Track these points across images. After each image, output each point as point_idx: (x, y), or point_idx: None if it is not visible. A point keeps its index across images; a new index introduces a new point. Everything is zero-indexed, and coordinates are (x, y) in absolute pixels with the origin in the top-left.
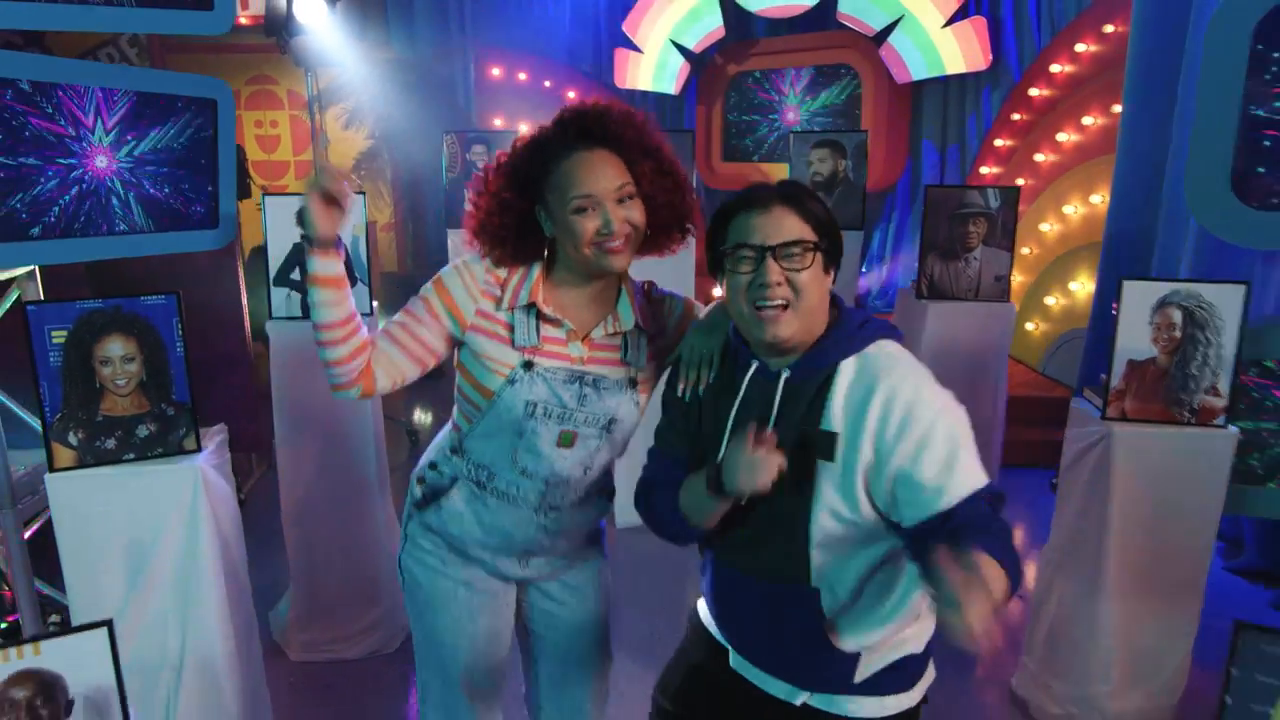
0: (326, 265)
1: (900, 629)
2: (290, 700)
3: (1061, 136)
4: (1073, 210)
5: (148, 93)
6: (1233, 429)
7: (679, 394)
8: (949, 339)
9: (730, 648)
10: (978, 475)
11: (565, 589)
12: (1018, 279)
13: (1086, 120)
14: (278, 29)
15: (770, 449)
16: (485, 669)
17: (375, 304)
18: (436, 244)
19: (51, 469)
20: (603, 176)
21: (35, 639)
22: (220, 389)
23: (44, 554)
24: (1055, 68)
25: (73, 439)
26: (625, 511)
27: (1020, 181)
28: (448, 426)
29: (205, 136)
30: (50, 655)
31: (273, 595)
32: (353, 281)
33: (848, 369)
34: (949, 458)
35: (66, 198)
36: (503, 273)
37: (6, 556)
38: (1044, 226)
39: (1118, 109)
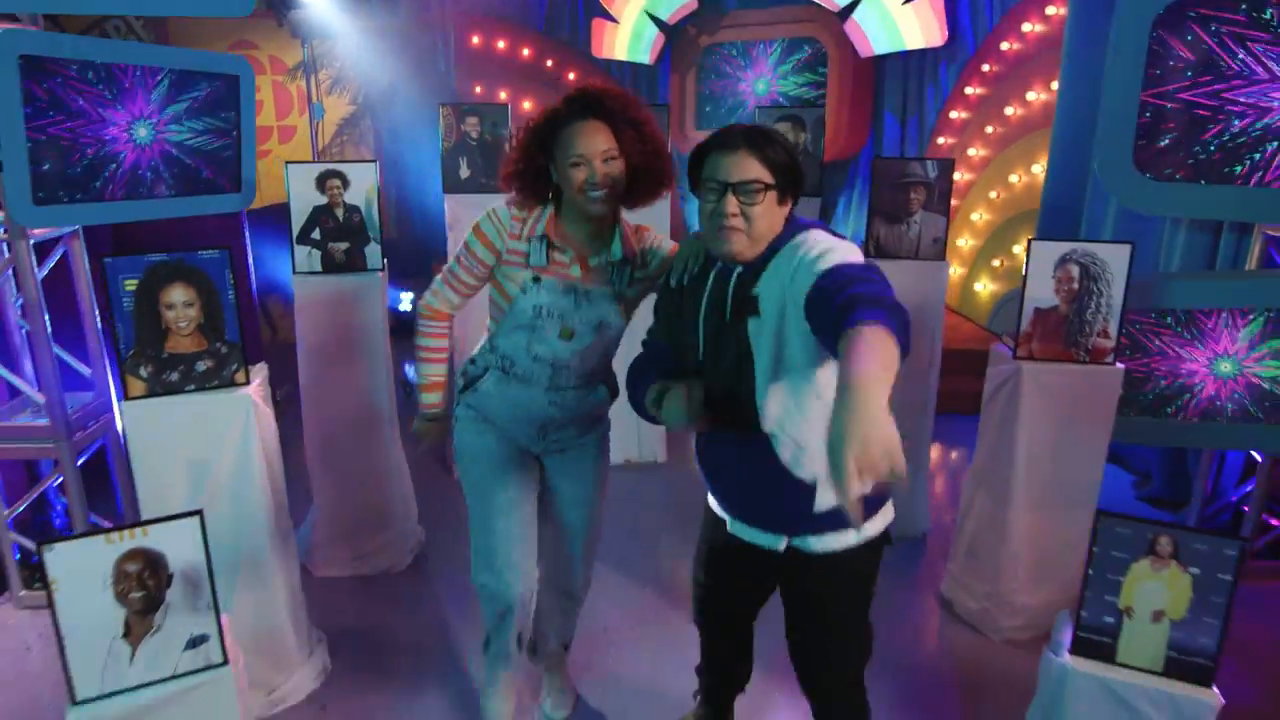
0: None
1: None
2: (318, 608)
3: (1009, 110)
4: (1016, 179)
5: (180, 70)
6: (1119, 365)
7: (672, 282)
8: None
9: (726, 516)
10: (844, 256)
11: (569, 467)
12: (969, 243)
13: (1030, 95)
14: (278, 2)
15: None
16: (521, 511)
17: (385, 260)
18: (419, 209)
19: (126, 398)
20: (593, 142)
21: (144, 523)
22: None
23: (91, 486)
24: (1005, 45)
25: (143, 372)
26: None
27: (973, 151)
28: (484, 337)
29: (230, 109)
30: (156, 537)
31: (296, 517)
32: (366, 241)
33: (784, 252)
34: (829, 250)
35: (114, 165)
36: (523, 214)
37: (63, 485)
38: (992, 194)
39: (1056, 85)
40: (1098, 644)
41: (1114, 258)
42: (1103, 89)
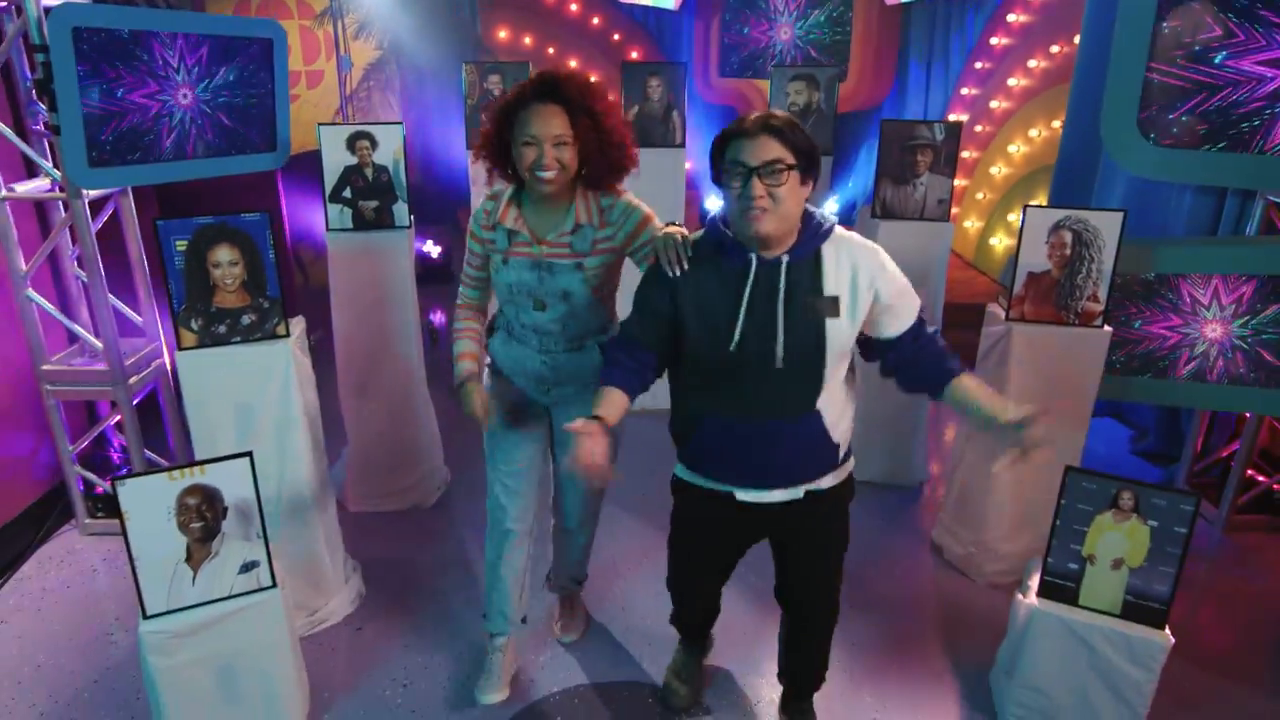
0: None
1: (851, 415)
2: (352, 540)
3: (1032, 63)
4: (1037, 134)
5: (218, 35)
6: (1107, 329)
7: (671, 273)
8: (897, 252)
9: (733, 489)
10: (915, 296)
11: (571, 418)
12: (987, 196)
13: (1054, 49)
14: None
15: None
16: (522, 448)
17: (412, 217)
18: (443, 157)
19: (180, 349)
20: (546, 125)
21: (202, 462)
22: None
23: (143, 425)
24: None
25: (194, 325)
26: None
27: (995, 104)
28: None
29: (265, 71)
30: (212, 475)
31: (330, 457)
32: (394, 199)
33: (829, 251)
34: (905, 291)
35: (160, 128)
36: (490, 205)
37: (120, 424)
38: (1011, 148)
39: (1078, 39)
40: (1062, 588)
41: (1106, 225)
42: (1110, 53)
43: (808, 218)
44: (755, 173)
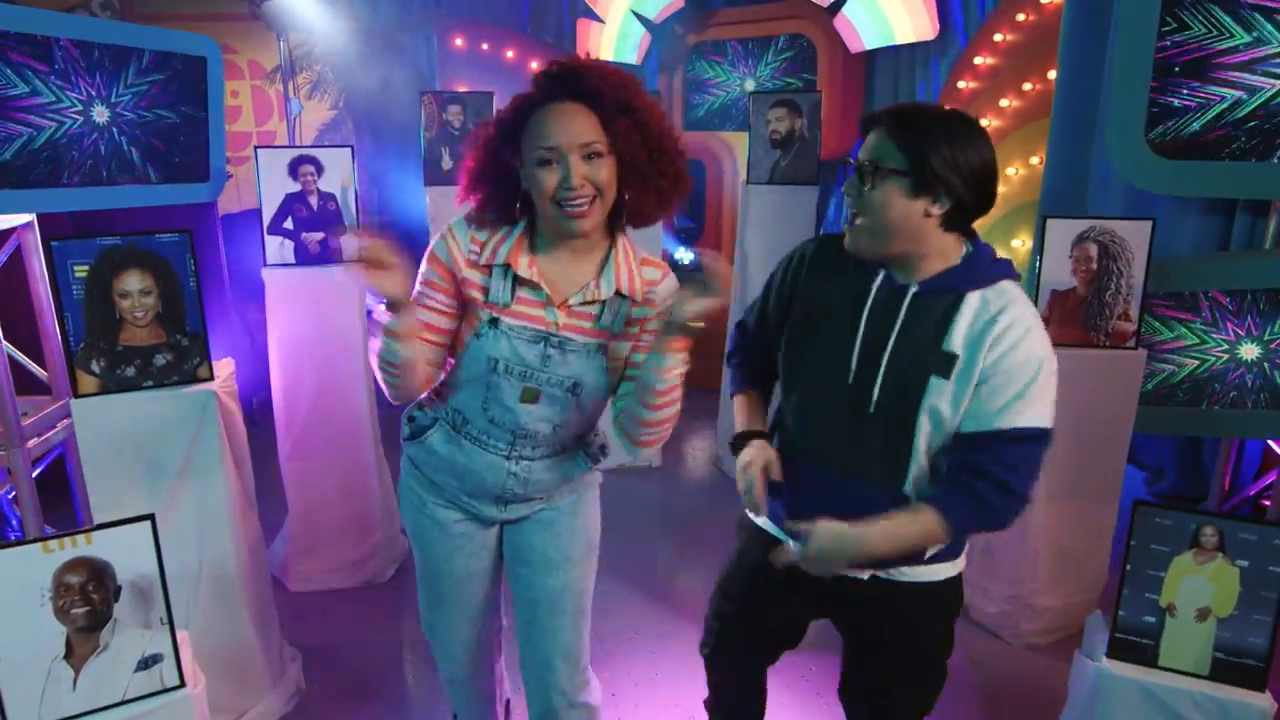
0: (404, 320)
1: None
2: (292, 626)
3: (1004, 102)
4: (1014, 172)
5: (142, 49)
6: (1141, 350)
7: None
8: None
9: (788, 539)
10: (1042, 414)
11: (541, 529)
12: None
13: (1026, 86)
14: None
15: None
16: (464, 600)
17: None
18: (401, 212)
19: (76, 395)
20: (569, 129)
21: (87, 530)
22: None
23: (47, 497)
24: (998, 36)
25: (95, 367)
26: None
27: None
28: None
29: (197, 93)
30: (100, 545)
31: (269, 530)
32: (343, 230)
33: (974, 299)
34: (1024, 389)
35: (69, 150)
36: (484, 235)
37: (17, 497)
38: None
39: (1054, 75)
40: (1137, 645)
41: (1134, 235)
42: (1112, 66)
43: (977, 253)
44: (860, 169)
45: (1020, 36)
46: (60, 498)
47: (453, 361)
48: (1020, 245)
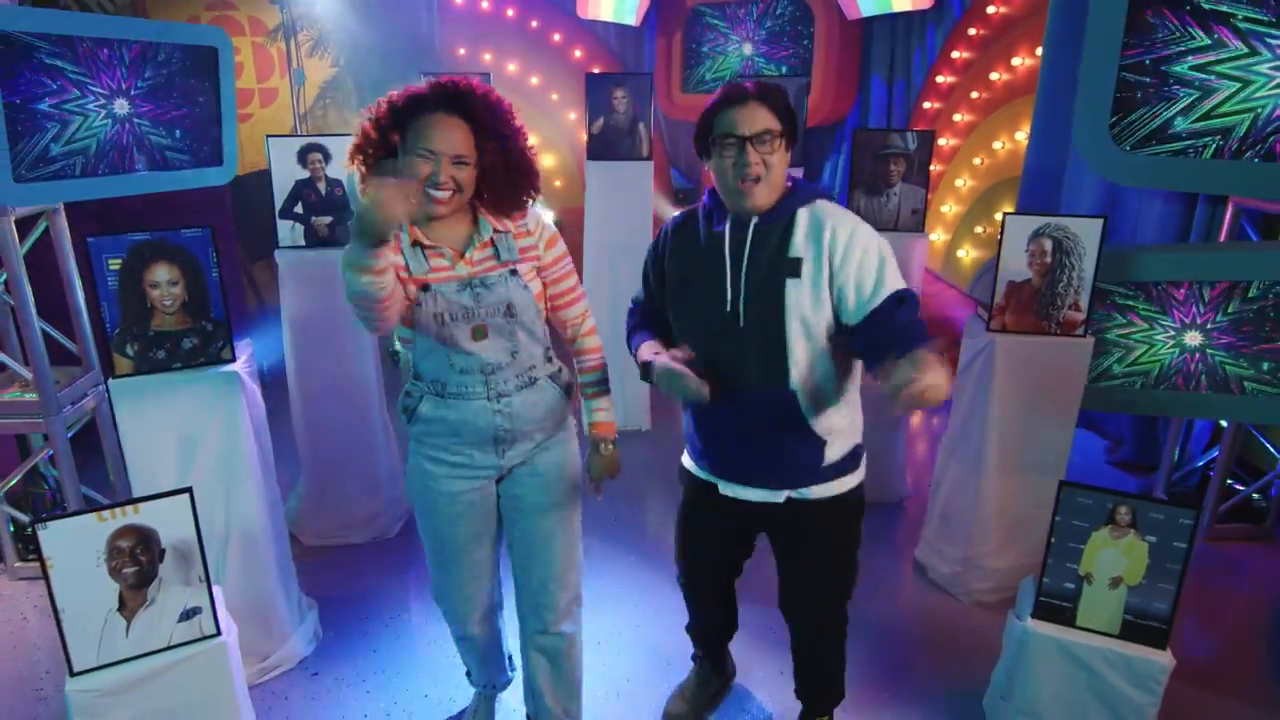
0: (382, 258)
1: (848, 416)
2: (307, 578)
3: (994, 75)
4: (1000, 145)
5: (156, 43)
6: (1089, 337)
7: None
8: None
9: (717, 480)
10: (898, 280)
11: (533, 478)
12: (953, 209)
13: (1015, 61)
14: None
15: None
16: (470, 562)
17: None
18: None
19: (113, 376)
20: (448, 140)
21: (135, 500)
22: None
23: (81, 458)
24: (991, 9)
25: (129, 350)
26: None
27: (958, 117)
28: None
29: (208, 82)
30: (147, 514)
31: (283, 489)
32: (349, 214)
33: (803, 216)
34: (880, 268)
35: (92, 141)
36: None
37: (54, 459)
38: (976, 160)
39: (1040, 51)
40: (1058, 608)
41: (1086, 232)
42: (1081, 59)
43: (793, 183)
44: (748, 142)
45: (1012, 10)
46: (90, 458)
47: (412, 342)
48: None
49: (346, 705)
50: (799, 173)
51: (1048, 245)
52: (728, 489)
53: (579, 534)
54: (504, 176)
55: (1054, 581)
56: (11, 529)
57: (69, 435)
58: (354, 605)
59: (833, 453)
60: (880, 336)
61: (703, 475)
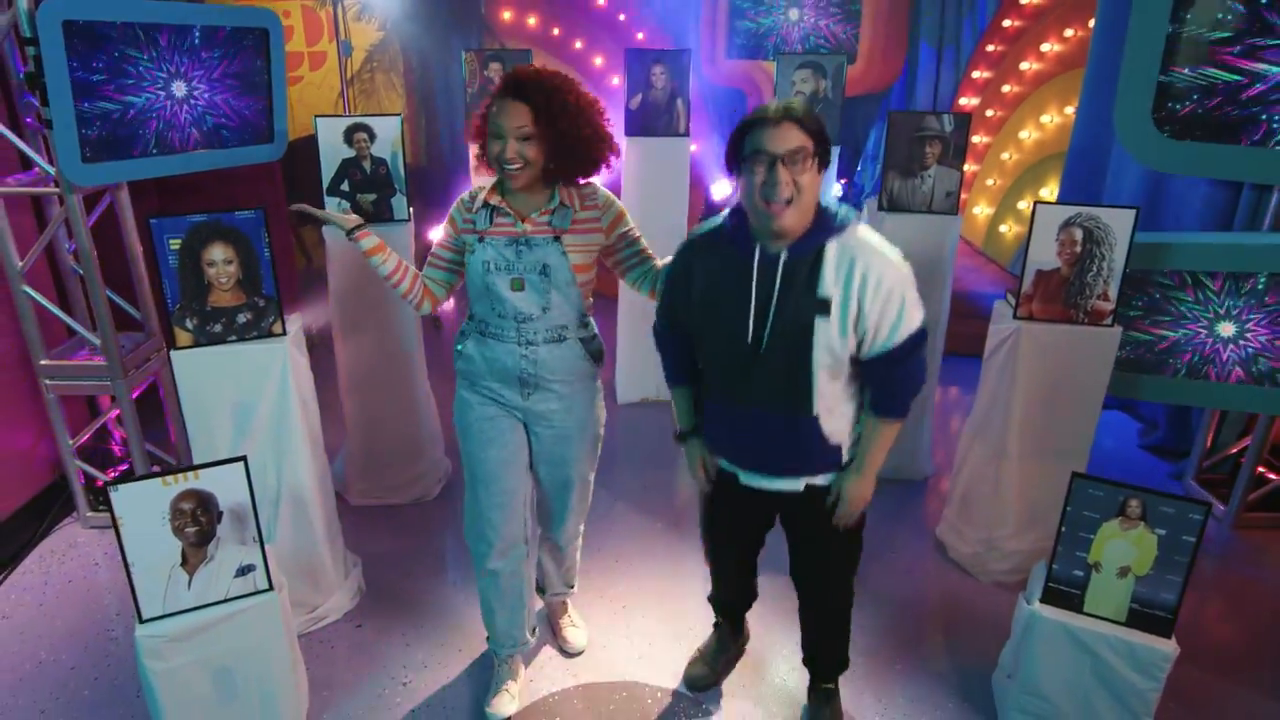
0: (366, 243)
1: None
2: (351, 536)
3: (1045, 46)
4: (1049, 119)
5: (212, 25)
6: (1117, 327)
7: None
8: (904, 246)
9: (737, 471)
10: (915, 319)
11: (554, 428)
12: (996, 182)
13: (1068, 33)
14: None
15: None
16: (499, 487)
17: (411, 210)
18: (448, 136)
19: (174, 348)
20: (510, 119)
21: (195, 467)
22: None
23: (145, 418)
24: None
25: (189, 324)
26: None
27: (1006, 88)
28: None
29: (260, 62)
30: (206, 479)
31: (331, 453)
32: (392, 192)
33: (832, 250)
34: (901, 310)
35: (153, 122)
36: (471, 205)
37: (120, 418)
38: (1023, 134)
39: (1093, 23)
40: (1066, 594)
41: (1118, 222)
42: (1126, 43)
43: (821, 212)
44: (779, 160)
45: None
46: (154, 418)
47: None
48: (1049, 195)
49: (387, 656)
50: (837, 191)
51: (1078, 235)
52: (748, 479)
53: (590, 483)
54: (566, 149)
55: (1063, 568)
56: (84, 483)
57: (133, 397)
58: (395, 563)
59: (849, 448)
60: (879, 378)
61: (724, 466)
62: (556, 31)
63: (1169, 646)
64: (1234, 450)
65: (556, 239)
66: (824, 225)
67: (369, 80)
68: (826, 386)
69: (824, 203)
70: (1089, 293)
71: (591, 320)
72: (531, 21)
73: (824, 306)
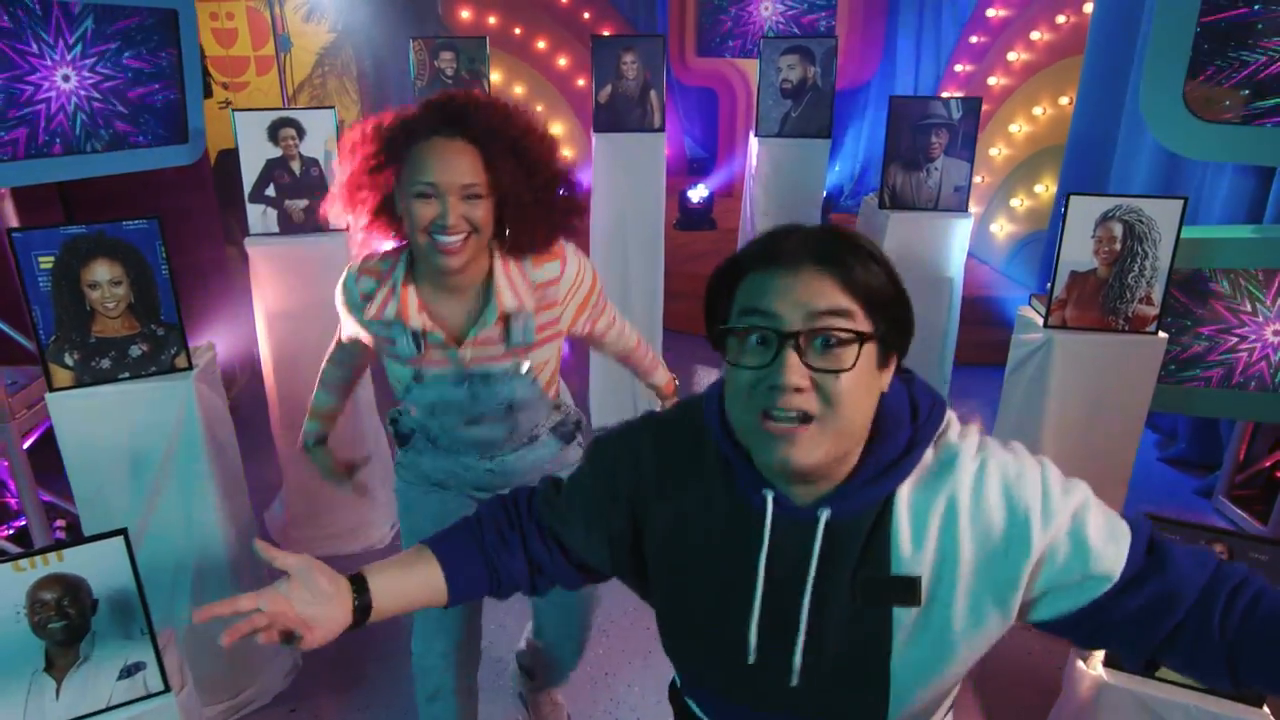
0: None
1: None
2: None
3: (1035, 35)
4: (1041, 111)
5: (107, 5)
6: (1162, 335)
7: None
8: (909, 248)
9: None
10: (1121, 530)
11: None
12: (985, 180)
13: (1059, 19)
14: None
15: None
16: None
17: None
18: None
19: (50, 389)
20: (452, 169)
21: (57, 547)
22: (202, 295)
23: (46, 463)
24: None
25: (68, 360)
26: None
27: (993, 80)
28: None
29: (168, 50)
30: (73, 561)
31: (267, 495)
32: (325, 193)
33: (906, 497)
34: (1078, 535)
35: (36, 118)
36: (370, 286)
37: (10, 468)
38: (1013, 128)
39: (1089, 7)
40: None
41: (1163, 215)
42: (1153, 13)
43: (886, 429)
44: (792, 340)
45: None
46: (56, 462)
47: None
48: (1044, 191)
49: None
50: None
51: (1117, 230)
52: None
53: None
54: (530, 201)
55: None
56: None
57: (29, 441)
58: None
59: None
60: (1127, 627)
61: None
62: (518, 31)
63: (1262, 717)
64: (1267, 464)
65: (518, 358)
66: (886, 450)
67: (320, 85)
68: (909, 694)
69: (888, 406)
70: (1130, 296)
71: (562, 396)
72: (492, 20)
73: (905, 590)
